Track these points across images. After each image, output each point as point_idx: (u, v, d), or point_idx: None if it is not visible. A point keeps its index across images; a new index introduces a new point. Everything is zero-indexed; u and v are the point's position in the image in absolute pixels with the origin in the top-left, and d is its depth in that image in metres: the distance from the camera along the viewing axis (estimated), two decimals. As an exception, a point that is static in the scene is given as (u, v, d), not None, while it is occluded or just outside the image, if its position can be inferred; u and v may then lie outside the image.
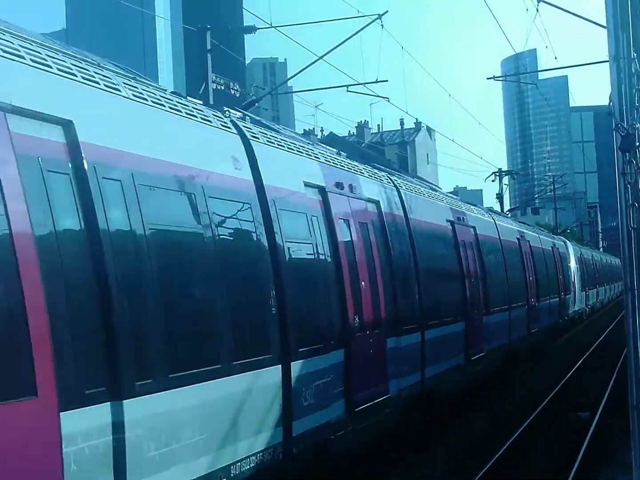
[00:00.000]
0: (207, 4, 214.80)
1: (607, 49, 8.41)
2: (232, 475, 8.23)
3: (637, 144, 8.12)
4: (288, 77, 24.11)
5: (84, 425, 6.08)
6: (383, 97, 25.55)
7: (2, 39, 6.35)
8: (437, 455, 15.32)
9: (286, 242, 9.96)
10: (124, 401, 6.52)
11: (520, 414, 18.77)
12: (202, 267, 8.22)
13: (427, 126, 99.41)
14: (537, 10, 19.76)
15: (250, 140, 9.88)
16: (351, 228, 12.44)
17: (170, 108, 8.42)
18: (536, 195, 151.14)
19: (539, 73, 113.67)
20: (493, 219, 25.57)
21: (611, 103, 8.77)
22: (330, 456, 11.15)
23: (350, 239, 12.32)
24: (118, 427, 6.44)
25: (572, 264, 44.00)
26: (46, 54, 6.86)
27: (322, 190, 11.56)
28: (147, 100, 8.03)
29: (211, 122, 9.24)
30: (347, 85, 23.94)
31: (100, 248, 6.51)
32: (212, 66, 24.16)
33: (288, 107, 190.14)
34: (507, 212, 48.81)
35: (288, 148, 11.33)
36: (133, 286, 7.00)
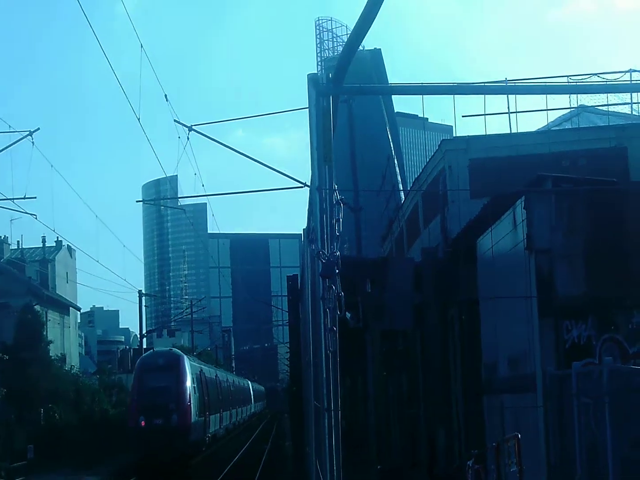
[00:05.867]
0: None
1: (310, 179, 8.79)
2: None
3: (337, 271, 8.43)
4: None
5: None
6: (30, 214, 25.07)
7: None
8: None
9: None
10: None
11: None
12: None
13: (68, 245, 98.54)
14: (188, 138, 20.71)
15: None
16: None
17: None
18: (173, 318, 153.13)
19: (180, 199, 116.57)
20: (242, 382, 58.75)
21: (312, 231, 9.14)
22: None
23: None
24: None
25: (251, 391, 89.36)
26: None
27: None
28: None
29: None
30: (-7, 200, 23.22)
31: None
32: None
33: None
34: (145, 334, 55.13)
35: None
36: None
